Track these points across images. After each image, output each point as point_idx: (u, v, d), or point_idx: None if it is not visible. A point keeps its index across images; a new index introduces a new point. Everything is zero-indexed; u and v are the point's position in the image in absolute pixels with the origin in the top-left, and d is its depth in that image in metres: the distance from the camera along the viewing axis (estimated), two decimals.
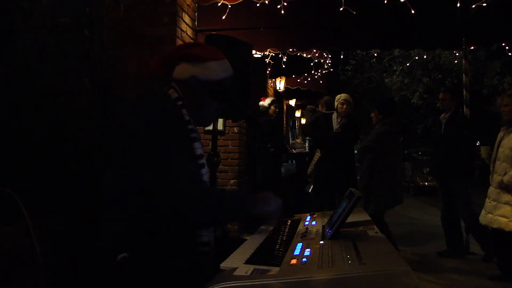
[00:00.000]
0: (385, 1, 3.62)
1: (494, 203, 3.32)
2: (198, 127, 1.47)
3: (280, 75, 7.39)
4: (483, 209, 3.51)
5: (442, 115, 4.30)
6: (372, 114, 4.42)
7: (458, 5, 3.64)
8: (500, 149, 3.39)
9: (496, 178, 3.34)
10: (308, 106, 6.88)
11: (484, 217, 3.42)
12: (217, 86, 1.36)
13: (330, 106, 4.54)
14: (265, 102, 5.31)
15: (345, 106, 4.16)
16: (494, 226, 3.27)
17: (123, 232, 1.21)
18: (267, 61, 5.75)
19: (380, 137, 4.10)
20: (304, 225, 1.46)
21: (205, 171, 1.32)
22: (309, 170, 4.73)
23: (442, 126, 4.24)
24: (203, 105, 1.37)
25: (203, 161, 1.32)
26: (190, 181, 1.22)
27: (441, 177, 4.26)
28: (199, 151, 1.31)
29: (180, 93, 1.33)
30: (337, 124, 4.18)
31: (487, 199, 3.48)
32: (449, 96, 4.26)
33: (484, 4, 3.60)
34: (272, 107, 5.30)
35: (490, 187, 3.48)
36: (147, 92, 1.30)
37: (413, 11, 3.57)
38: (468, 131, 4.13)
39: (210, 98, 1.37)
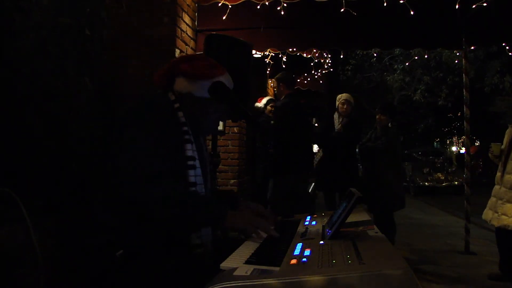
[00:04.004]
0: (385, 4, 3.62)
1: (509, 204, 3.22)
2: None
3: None
4: (487, 208, 3.47)
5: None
6: (379, 117, 4.14)
7: (457, 6, 3.63)
8: None
9: (509, 178, 3.28)
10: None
11: (497, 219, 3.29)
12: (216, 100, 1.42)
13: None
14: (261, 103, 5.22)
15: (345, 106, 4.15)
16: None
17: (118, 228, 1.24)
18: (267, 61, 5.75)
19: (397, 137, 4.13)
20: (304, 225, 1.46)
21: (194, 172, 1.33)
22: None
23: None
24: (201, 118, 1.43)
25: (194, 163, 1.35)
26: (162, 174, 1.20)
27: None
28: (189, 153, 1.34)
29: (179, 99, 1.41)
30: (339, 124, 4.17)
31: (493, 198, 3.43)
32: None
33: (484, 4, 3.60)
34: (268, 107, 5.14)
35: (497, 186, 3.43)
36: (147, 92, 1.38)
37: (412, 12, 3.56)
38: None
39: (208, 111, 1.43)
